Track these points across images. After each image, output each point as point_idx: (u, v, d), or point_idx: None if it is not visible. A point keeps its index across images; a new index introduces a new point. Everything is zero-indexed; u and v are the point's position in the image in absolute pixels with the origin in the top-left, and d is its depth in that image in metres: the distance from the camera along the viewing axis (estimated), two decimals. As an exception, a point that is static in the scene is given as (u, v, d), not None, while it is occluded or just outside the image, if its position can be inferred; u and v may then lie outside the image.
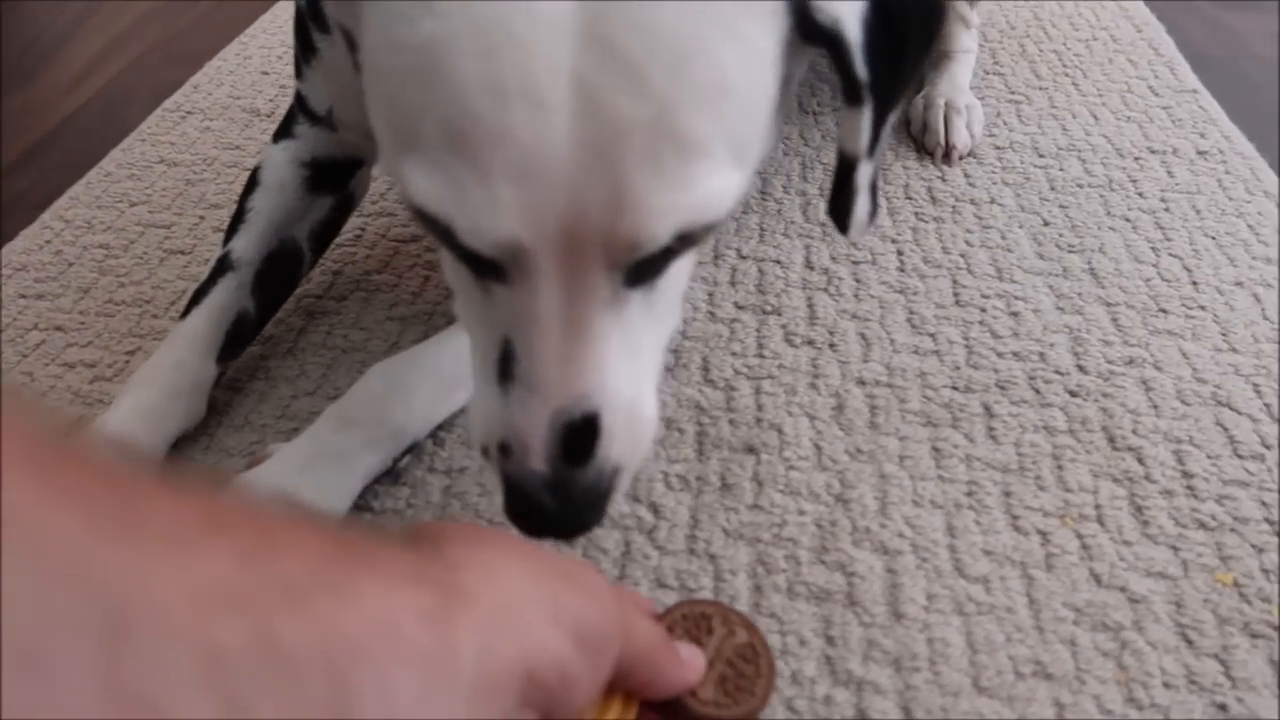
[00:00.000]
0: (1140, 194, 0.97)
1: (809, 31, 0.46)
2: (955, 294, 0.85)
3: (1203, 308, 0.82)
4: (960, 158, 1.03)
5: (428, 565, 0.35)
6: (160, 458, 0.67)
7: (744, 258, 0.89)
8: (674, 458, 0.69)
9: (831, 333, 0.80)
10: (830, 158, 1.03)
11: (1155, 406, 0.73)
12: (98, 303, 0.85)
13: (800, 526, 0.64)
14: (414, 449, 0.68)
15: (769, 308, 0.83)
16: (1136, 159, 1.03)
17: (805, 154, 1.04)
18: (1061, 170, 1.01)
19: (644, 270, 0.46)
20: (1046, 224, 0.93)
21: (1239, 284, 0.85)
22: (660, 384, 0.53)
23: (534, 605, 0.38)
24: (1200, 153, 1.03)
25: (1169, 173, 1.00)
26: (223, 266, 0.75)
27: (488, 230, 0.43)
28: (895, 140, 1.06)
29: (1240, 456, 0.69)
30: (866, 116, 0.49)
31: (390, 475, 0.68)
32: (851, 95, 0.48)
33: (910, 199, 0.97)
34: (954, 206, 0.96)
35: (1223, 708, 0.54)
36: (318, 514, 0.47)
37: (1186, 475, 0.67)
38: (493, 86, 0.40)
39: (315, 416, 0.67)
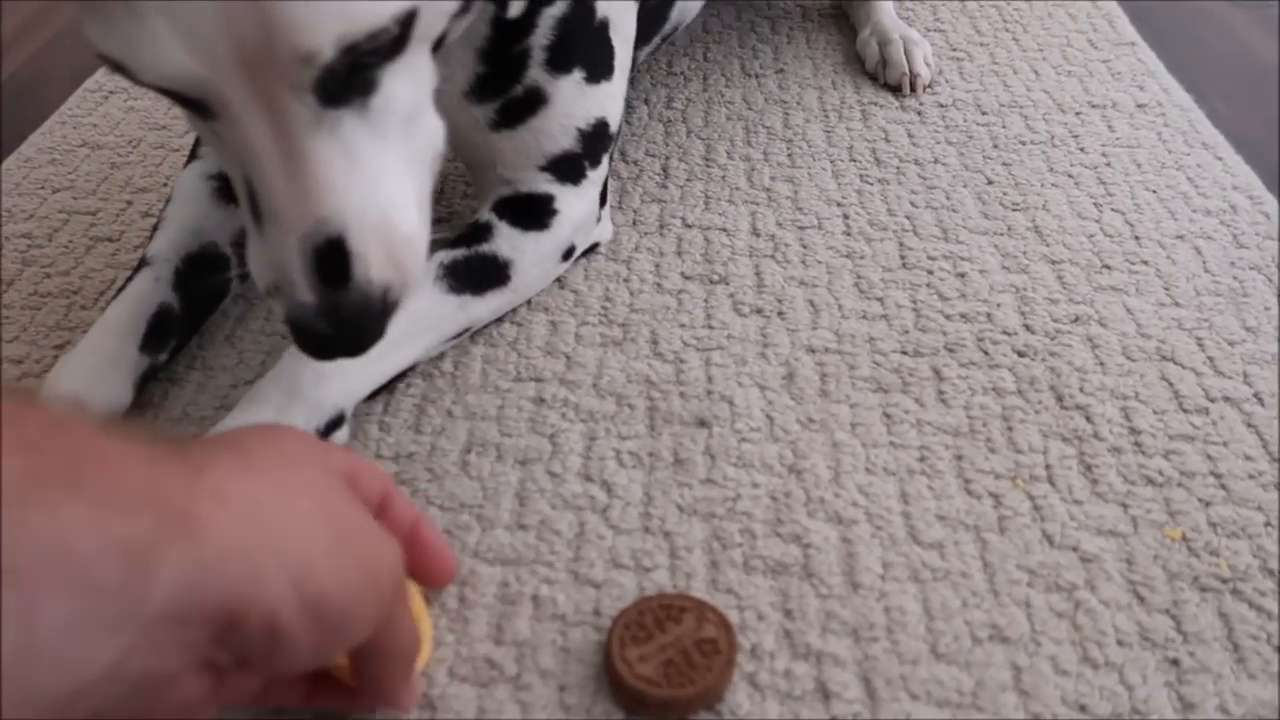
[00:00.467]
0: (1082, 149, 0.97)
1: None
2: (902, 256, 0.84)
3: (1145, 262, 0.83)
4: (925, 87, 1.04)
5: (169, 489, 0.35)
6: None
7: (689, 226, 0.88)
8: (625, 434, 0.68)
9: (780, 300, 0.80)
10: (774, 121, 1.02)
11: (1101, 364, 0.73)
12: (22, 295, 0.81)
13: (754, 499, 0.64)
14: (341, 423, 0.66)
15: (716, 277, 0.82)
16: (1077, 114, 1.03)
17: (748, 118, 1.03)
18: (1004, 127, 1.01)
19: (338, 88, 0.48)
20: (990, 182, 0.93)
21: (1180, 237, 0.86)
22: (426, 205, 0.55)
23: (278, 558, 0.38)
24: (1139, 105, 1.04)
25: (1109, 127, 1.01)
26: (140, 264, 0.73)
27: (156, 63, 0.44)
28: (839, 98, 1.05)
29: (1185, 410, 0.70)
30: None
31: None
32: None
33: (855, 160, 0.96)
34: (898, 167, 0.95)
35: (1175, 662, 0.55)
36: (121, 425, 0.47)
37: (1134, 432, 0.68)
38: None
39: (255, 407, 0.65)
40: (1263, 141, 1.00)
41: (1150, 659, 0.55)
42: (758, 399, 0.71)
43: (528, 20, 0.70)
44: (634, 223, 0.88)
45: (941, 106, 1.04)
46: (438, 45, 0.55)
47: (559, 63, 0.72)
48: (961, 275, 0.82)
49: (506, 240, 0.74)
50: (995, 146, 0.98)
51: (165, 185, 0.95)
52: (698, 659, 0.53)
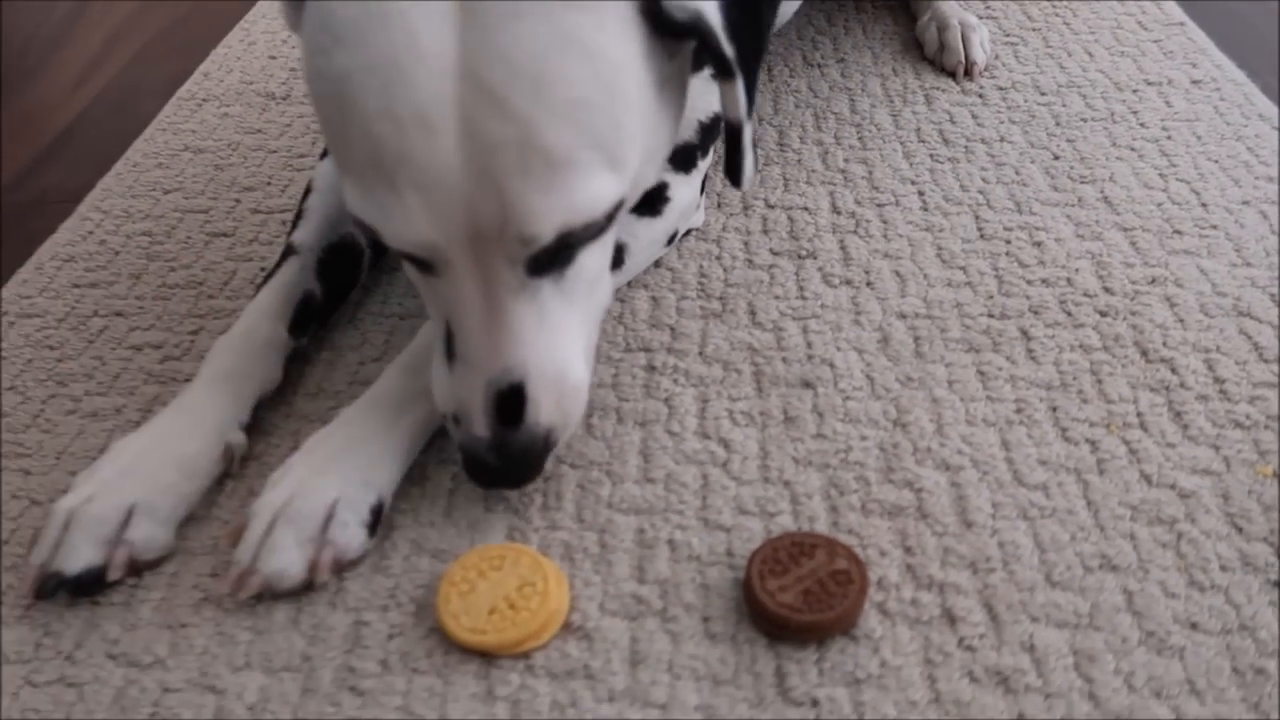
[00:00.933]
0: (1142, 124, 1.01)
1: (671, 30, 0.55)
2: (979, 228, 0.88)
3: (1214, 227, 0.87)
4: (981, 73, 1.08)
5: None
6: (245, 421, 0.69)
7: (772, 207, 0.92)
8: (735, 396, 0.73)
9: (867, 272, 0.84)
10: (841, 107, 1.06)
11: (1181, 320, 0.77)
12: (152, 287, 0.87)
13: (864, 450, 0.68)
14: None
15: (804, 252, 0.87)
16: (1134, 91, 1.07)
17: (816, 105, 1.07)
18: (1064, 106, 1.05)
19: (545, 263, 0.56)
20: (1056, 158, 0.97)
21: (1245, 203, 0.90)
22: (592, 355, 0.64)
23: None
24: (1194, 82, 1.08)
25: (1167, 103, 1.04)
26: (287, 253, 0.78)
27: (403, 232, 0.53)
28: (901, 84, 1.09)
29: (1266, 360, 0.73)
30: (740, 87, 0.59)
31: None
32: (724, 72, 0.58)
33: (923, 142, 1.00)
34: (966, 147, 0.99)
35: (1277, 584, 0.58)
36: None
37: (1218, 380, 0.72)
38: (391, 116, 0.50)
39: (386, 380, 0.70)
40: (1316, 112, 1.03)
41: (1254, 581, 0.59)
42: (856, 361, 0.75)
43: None
44: (719, 205, 0.92)
45: (1001, 89, 1.09)
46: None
47: (694, 60, 0.76)
48: (1038, 244, 0.86)
49: (623, 225, 0.78)
50: (1058, 124, 1.02)
51: (269, 184, 1.00)
52: (833, 588, 0.57)
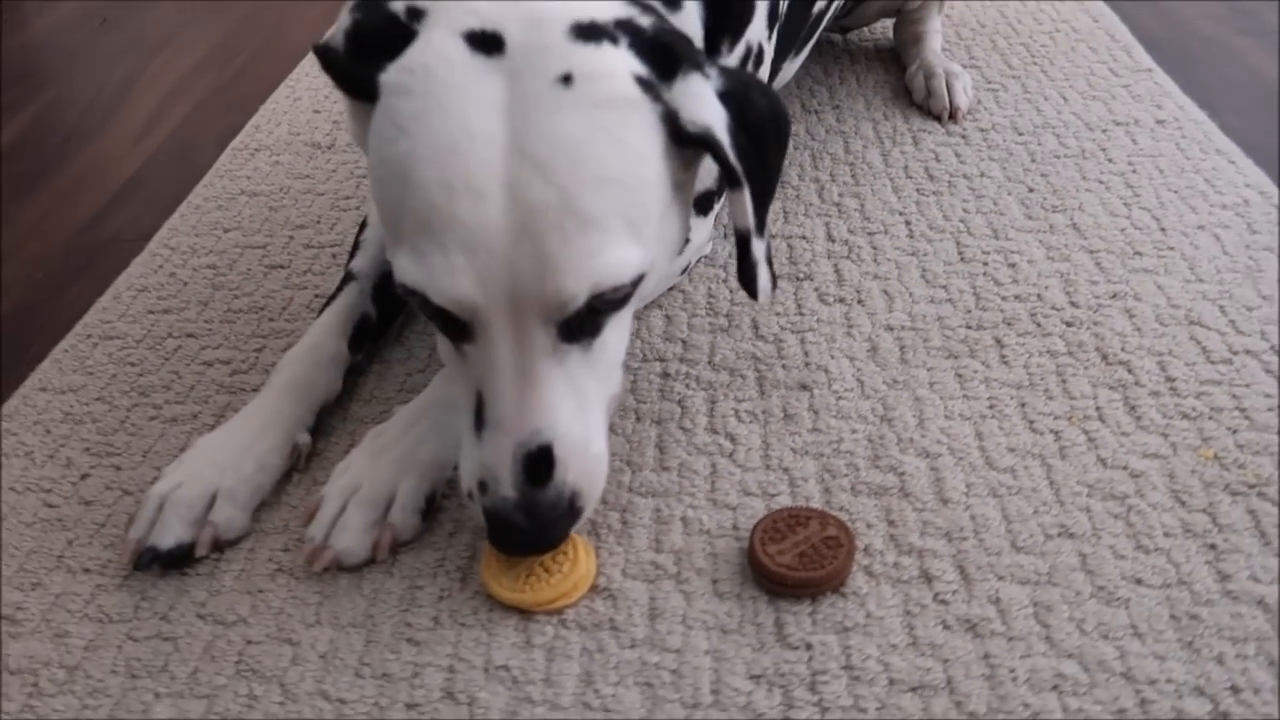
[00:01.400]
0: (1110, 160, 1.11)
1: (685, 139, 0.63)
2: (960, 253, 0.98)
3: (1171, 248, 0.96)
4: (964, 116, 1.19)
5: None
6: (310, 424, 0.79)
7: (773, 236, 1.02)
8: (740, 397, 0.82)
9: (858, 291, 0.94)
10: (836, 148, 1.17)
11: (1138, 329, 0.86)
12: (219, 312, 0.97)
13: (854, 442, 0.77)
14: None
15: (801, 275, 0.96)
16: (1104, 130, 1.17)
17: (813, 146, 1.18)
18: (1039, 144, 1.15)
19: (576, 328, 0.62)
20: (1031, 190, 1.07)
21: (1201, 227, 0.99)
22: (607, 434, 0.67)
23: None
24: (1159, 122, 1.18)
25: (1133, 140, 1.15)
26: (346, 279, 0.88)
27: (449, 288, 0.60)
28: (891, 127, 1.20)
29: (1212, 362, 0.82)
30: (747, 196, 0.66)
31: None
32: (732, 180, 0.65)
33: (910, 178, 1.11)
34: (949, 181, 1.10)
35: (1213, 547, 0.67)
36: None
37: (1169, 379, 0.81)
38: (445, 185, 0.58)
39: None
40: (1272, 148, 1.13)
41: (1192, 545, 0.67)
42: (848, 367, 0.85)
43: None
44: (725, 235, 1.03)
45: (983, 130, 1.19)
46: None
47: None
48: (1013, 265, 0.96)
49: None
50: (1033, 161, 1.12)
51: (318, 222, 1.11)
52: (825, 551, 0.66)
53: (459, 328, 0.62)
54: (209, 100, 1.48)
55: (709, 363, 0.86)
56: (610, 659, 0.63)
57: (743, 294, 0.93)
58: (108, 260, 1.10)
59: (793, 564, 0.65)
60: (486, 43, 0.60)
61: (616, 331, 0.66)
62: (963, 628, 0.63)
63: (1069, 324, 0.88)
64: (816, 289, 0.94)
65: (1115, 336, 0.86)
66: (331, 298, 0.87)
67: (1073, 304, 0.90)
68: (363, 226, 0.93)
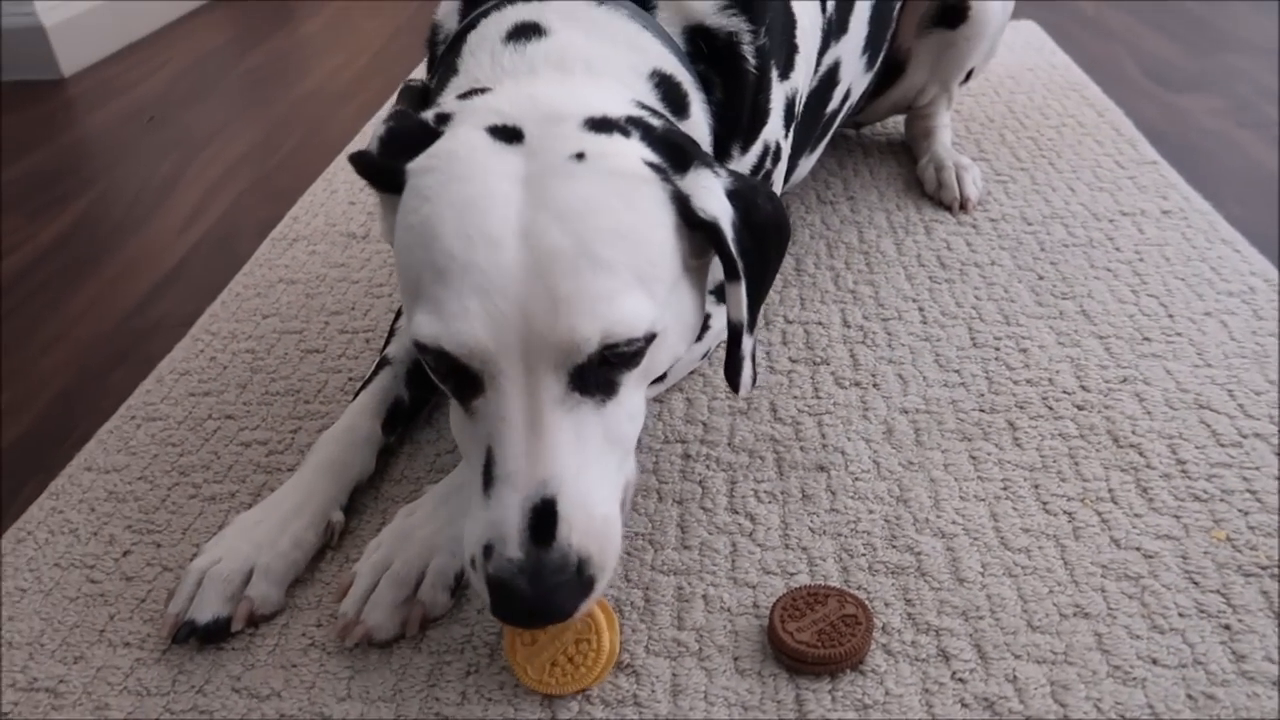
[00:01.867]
0: (1117, 249, 1.15)
1: (693, 221, 0.67)
2: (972, 338, 1.01)
3: (1179, 334, 0.99)
4: (974, 206, 1.24)
5: None
6: (344, 503, 0.82)
7: (790, 322, 1.06)
8: (759, 479, 0.85)
9: (873, 375, 0.96)
10: (850, 238, 1.21)
11: (1149, 412, 0.89)
12: (256, 395, 1.01)
13: (871, 521, 0.79)
14: (544, 486, 0.83)
15: (818, 359, 0.99)
16: (1111, 220, 1.21)
17: (828, 236, 1.22)
18: (1048, 234, 1.19)
19: (588, 379, 0.63)
20: (1041, 278, 1.10)
21: (1208, 314, 1.02)
22: (623, 505, 0.66)
23: None
24: (1164, 212, 1.22)
25: (1139, 230, 1.18)
26: (381, 364, 0.92)
27: (462, 333, 0.62)
28: (904, 217, 1.24)
29: (1222, 445, 0.84)
30: (743, 291, 0.69)
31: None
32: (731, 273, 0.69)
33: (923, 266, 1.14)
34: (961, 269, 1.13)
35: (1227, 627, 0.68)
36: None
37: (1180, 462, 0.83)
38: (463, 235, 0.62)
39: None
40: (1274, 237, 1.16)
41: (1207, 625, 0.68)
42: (864, 449, 0.87)
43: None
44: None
45: (993, 220, 1.23)
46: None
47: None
48: (1024, 350, 0.98)
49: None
50: (1043, 249, 1.16)
51: (353, 309, 1.16)
52: (843, 629, 0.67)
53: (470, 382, 0.62)
54: (250, 193, 1.54)
55: (729, 444, 0.89)
56: (634, 734, 0.64)
57: (762, 378, 0.97)
58: (152, 345, 1.14)
59: (812, 641, 0.66)
60: (507, 134, 0.65)
61: (632, 396, 0.66)
62: (981, 706, 0.64)
63: (1080, 408, 0.90)
64: (833, 373, 0.97)
65: (1126, 420, 0.88)
66: (367, 381, 0.90)
67: (1083, 388, 0.92)
68: (398, 315, 0.97)
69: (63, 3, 2.14)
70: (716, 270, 0.73)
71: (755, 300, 0.71)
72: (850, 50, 1.07)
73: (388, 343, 0.94)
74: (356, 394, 0.90)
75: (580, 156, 0.63)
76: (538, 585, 0.58)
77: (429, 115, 0.69)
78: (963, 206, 1.25)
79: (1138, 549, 0.75)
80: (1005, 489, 0.82)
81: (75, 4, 2.17)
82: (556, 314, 0.60)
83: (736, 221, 0.68)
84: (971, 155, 1.39)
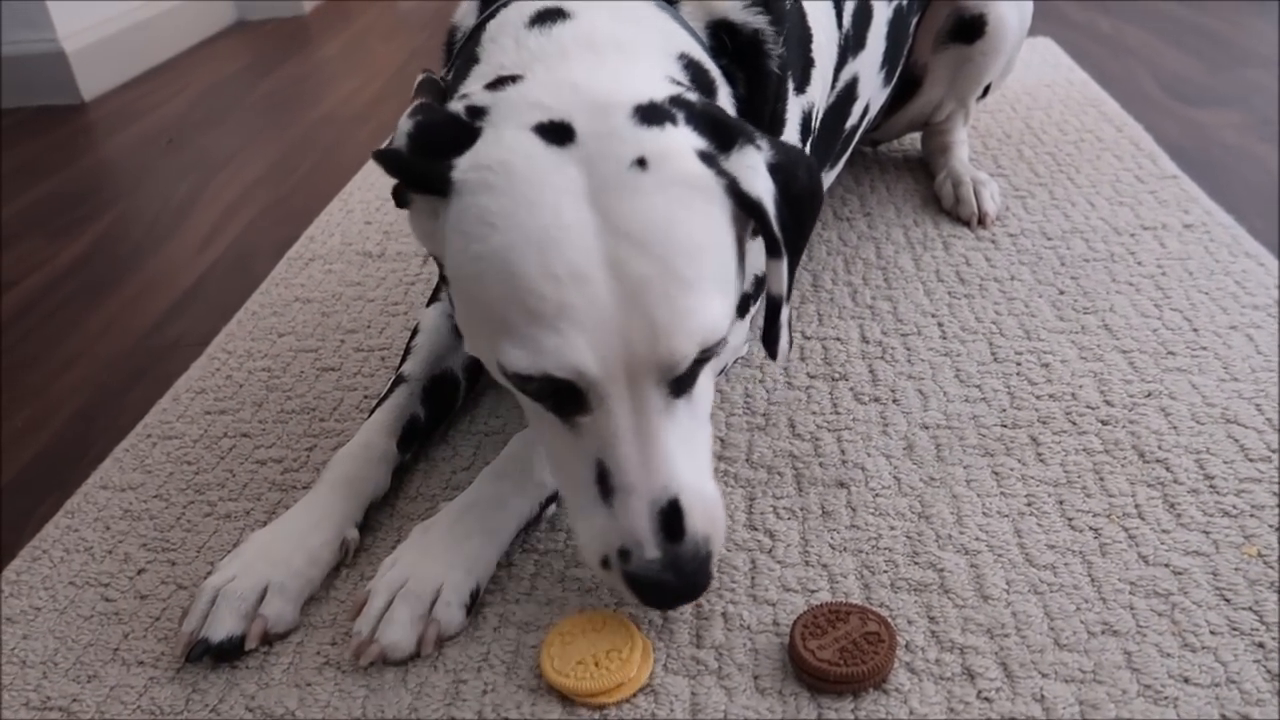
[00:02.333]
0: (1139, 263, 1.14)
1: (743, 204, 0.67)
2: (993, 353, 1.00)
3: (1205, 348, 0.97)
4: (993, 222, 1.23)
5: None
6: (359, 521, 0.81)
7: (808, 338, 1.05)
8: (779, 495, 0.83)
9: (893, 390, 0.95)
10: (868, 253, 1.20)
11: (1175, 427, 0.87)
12: (272, 413, 1.01)
13: (893, 538, 0.78)
14: (556, 499, 0.82)
15: (837, 375, 0.98)
16: (1132, 235, 1.19)
17: (846, 252, 1.21)
18: (1068, 249, 1.18)
19: (682, 383, 0.66)
20: (1062, 293, 1.09)
21: (1233, 328, 1.00)
22: (714, 475, 0.69)
23: None
24: (1186, 226, 1.20)
25: (1161, 244, 1.17)
26: (397, 381, 0.92)
27: (571, 363, 0.62)
28: (922, 233, 1.23)
29: (1251, 460, 0.82)
30: (784, 265, 0.70)
31: (543, 523, 0.82)
32: (773, 249, 0.69)
33: (942, 281, 1.13)
34: (980, 284, 1.12)
35: (1260, 645, 0.66)
36: None
37: (1208, 477, 0.81)
38: (550, 275, 0.61)
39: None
40: (1300, 250, 1.15)
41: (1239, 643, 0.66)
42: (885, 465, 0.86)
43: None
44: (760, 337, 1.05)
45: (1012, 235, 1.22)
46: None
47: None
48: (1046, 365, 0.97)
49: None
50: (1063, 264, 1.15)
51: (369, 327, 1.16)
52: (865, 647, 0.66)
53: (574, 401, 0.64)
54: (266, 213, 1.55)
55: (747, 460, 0.88)
56: (653, 755, 0.63)
57: (780, 393, 0.96)
58: (169, 364, 1.15)
59: (834, 659, 0.65)
60: (557, 133, 0.63)
61: (707, 380, 0.69)
62: (1008, 726, 0.63)
63: (1104, 422, 0.88)
64: (852, 388, 0.96)
65: (1152, 435, 0.86)
66: (383, 398, 0.90)
67: (1107, 403, 0.91)
68: (414, 333, 0.96)
69: (83, 30, 2.16)
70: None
71: (792, 271, 0.72)
72: (868, 65, 1.07)
73: (404, 360, 0.94)
74: (372, 411, 0.89)
75: (641, 163, 0.62)
76: (680, 575, 0.64)
77: (459, 108, 0.67)
78: (981, 221, 1.24)
79: (1166, 565, 0.73)
80: (1029, 505, 0.80)
81: (95, 30, 2.20)
82: (656, 339, 0.61)
83: (777, 197, 0.67)
84: (989, 171, 1.38)
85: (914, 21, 1.21)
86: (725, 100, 0.78)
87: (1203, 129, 1.51)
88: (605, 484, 0.64)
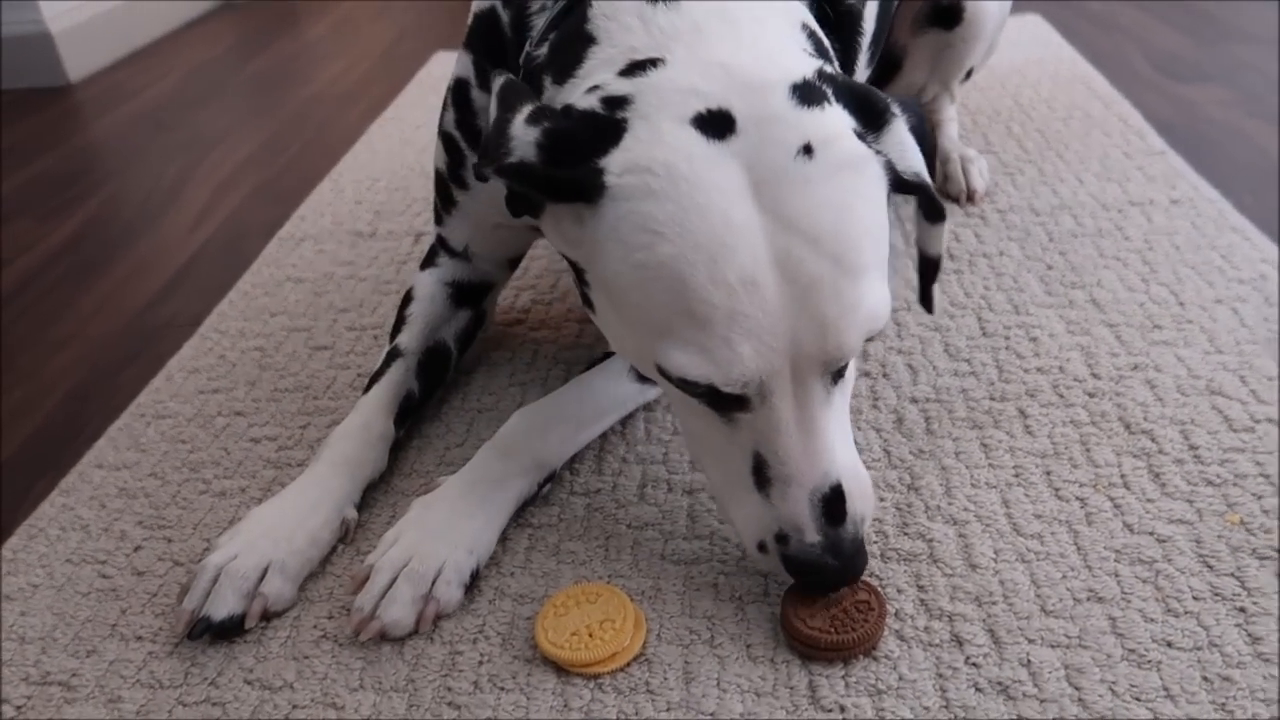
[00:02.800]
0: (1126, 238, 1.14)
1: (902, 186, 0.65)
2: (981, 328, 1.01)
3: (1190, 322, 0.98)
4: (982, 198, 1.24)
5: None
6: (357, 500, 0.82)
7: (799, 315, 1.05)
8: (770, 468, 0.84)
9: (883, 365, 0.96)
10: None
11: (1160, 399, 0.88)
12: (266, 392, 1.01)
13: (883, 510, 0.79)
14: (554, 478, 0.83)
15: (827, 351, 0.99)
16: (1120, 210, 1.20)
17: (836, 230, 1.22)
18: (1057, 224, 1.18)
19: (839, 372, 0.65)
20: (1050, 268, 1.10)
21: (1219, 301, 1.01)
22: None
23: None
24: (1173, 201, 1.21)
25: (1148, 219, 1.18)
26: (393, 355, 0.92)
27: (738, 377, 0.62)
28: (910, 210, 1.24)
29: (1235, 430, 0.84)
30: (944, 228, 0.68)
31: (538, 500, 0.83)
32: (935, 215, 0.68)
33: (932, 258, 1.14)
34: (970, 260, 1.13)
35: (1242, 610, 0.67)
36: None
37: (1193, 447, 0.82)
38: (721, 283, 0.59)
39: (466, 461, 0.82)
40: (1285, 224, 1.16)
41: (1221, 608, 0.68)
42: (875, 438, 0.87)
43: None
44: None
45: (1001, 211, 1.23)
46: None
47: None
48: (1034, 339, 0.98)
49: None
50: (1051, 240, 1.15)
51: (361, 305, 1.16)
52: (856, 615, 0.67)
53: (736, 402, 0.63)
54: (257, 193, 1.55)
55: (739, 435, 0.88)
56: (646, 721, 0.64)
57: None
58: (162, 343, 1.15)
59: (824, 628, 0.66)
60: (718, 125, 0.60)
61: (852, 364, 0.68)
62: (995, 690, 0.64)
63: (1091, 395, 0.89)
64: (842, 364, 0.97)
65: (1137, 406, 0.87)
66: (379, 373, 0.90)
67: (1094, 375, 0.92)
68: (407, 300, 0.96)
69: (69, 10, 2.15)
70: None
71: None
72: (864, 43, 1.07)
73: (398, 330, 0.94)
74: (368, 387, 0.90)
75: (808, 150, 0.59)
76: (840, 558, 0.64)
77: (593, 101, 0.62)
78: (970, 198, 1.25)
79: (1151, 533, 0.74)
80: (1017, 476, 0.81)
81: (81, 11, 2.19)
82: (825, 336, 0.60)
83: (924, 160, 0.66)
84: (978, 148, 1.39)
85: (895, 5, 1.21)
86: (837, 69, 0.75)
87: (1190, 105, 1.51)
88: (762, 474, 0.64)
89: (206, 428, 0.97)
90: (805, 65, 0.63)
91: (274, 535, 0.76)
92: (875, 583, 0.72)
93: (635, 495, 0.83)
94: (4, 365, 1.15)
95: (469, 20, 0.87)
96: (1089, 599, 0.69)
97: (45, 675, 0.71)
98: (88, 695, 0.69)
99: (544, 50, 0.71)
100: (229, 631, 0.72)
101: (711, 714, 0.64)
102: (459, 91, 0.87)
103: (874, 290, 0.61)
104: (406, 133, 1.66)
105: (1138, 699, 0.62)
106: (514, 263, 1.00)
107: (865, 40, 0.90)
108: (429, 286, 0.96)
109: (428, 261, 0.99)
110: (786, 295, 0.59)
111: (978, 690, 0.64)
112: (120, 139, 1.85)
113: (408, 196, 1.42)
